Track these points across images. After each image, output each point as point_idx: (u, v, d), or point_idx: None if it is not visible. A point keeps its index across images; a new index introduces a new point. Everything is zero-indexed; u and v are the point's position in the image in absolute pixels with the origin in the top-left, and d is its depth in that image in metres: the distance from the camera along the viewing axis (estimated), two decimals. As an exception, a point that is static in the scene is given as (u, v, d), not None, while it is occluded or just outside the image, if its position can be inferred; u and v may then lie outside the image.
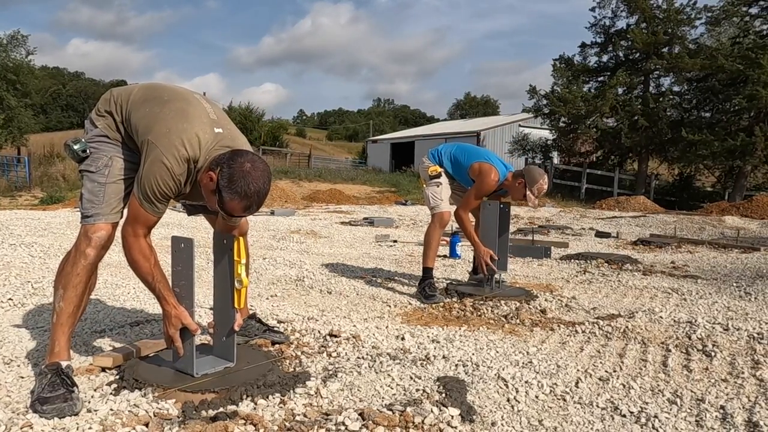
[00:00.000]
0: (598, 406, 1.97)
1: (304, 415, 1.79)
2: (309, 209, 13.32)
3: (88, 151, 2.03)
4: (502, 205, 3.77)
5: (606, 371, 2.31)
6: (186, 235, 2.11)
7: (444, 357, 2.42)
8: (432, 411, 1.81)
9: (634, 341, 2.72)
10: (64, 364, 1.93)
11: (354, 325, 2.86)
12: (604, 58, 24.93)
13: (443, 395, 1.98)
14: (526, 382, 2.13)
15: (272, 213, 11.03)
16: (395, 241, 7.05)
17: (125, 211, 2.03)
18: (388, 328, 2.89)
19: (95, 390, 1.97)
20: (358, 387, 2.06)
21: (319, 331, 2.72)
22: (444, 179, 3.88)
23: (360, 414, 1.77)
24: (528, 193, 3.57)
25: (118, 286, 3.72)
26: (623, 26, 23.73)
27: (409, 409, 1.82)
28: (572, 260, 5.48)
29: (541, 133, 26.84)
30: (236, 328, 2.12)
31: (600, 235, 8.11)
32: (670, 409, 1.94)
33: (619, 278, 4.51)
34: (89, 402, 1.85)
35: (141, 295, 3.51)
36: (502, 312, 3.32)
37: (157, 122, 1.93)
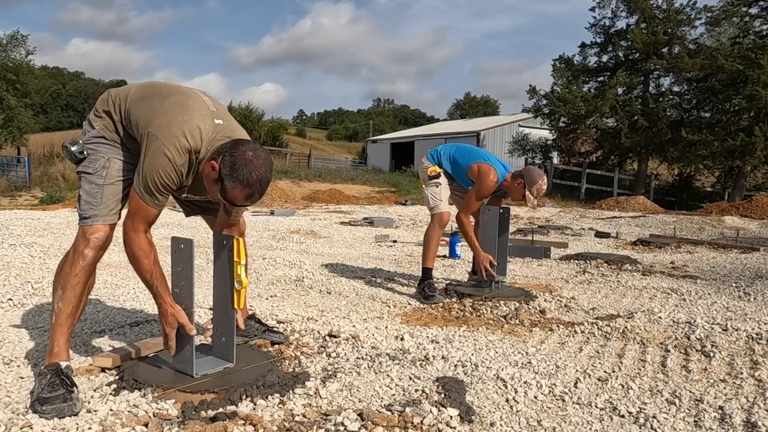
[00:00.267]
0: (596, 407, 1.97)
1: (304, 416, 1.80)
2: (309, 209, 13.32)
3: (85, 152, 2.03)
4: (501, 210, 3.77)
5: (605, 371, 2.31)
6: (186, 235, 2.11)
7: (443, 357, 2.42)
8: (431, 411, 1.82)
9: (633, 341, 2.73)
10: (63, 364, 1.94)
11: (353, 326, 2.86)
12: (604, 58, 24.96)
13: (442, 395, 1.98)
14: (525, 382, 2.13)
15: (272, 213, 11.04)
16: (395, 242, 7.05)
17: (123, 211, 2.04)
18: (388, 328, 2.89)
19: (95, 390, 1.97)
20: (357, 387, 2.06)
21: (318, 332, 2.72)
22: (443, 179, 3.88)
23: (359, 414, 1.78)
24: (527, 193, 3.57)
25: (118, 287, 3.72)
26: (623, 26, 23.77)
27: (408, 409, 1.83)
28: (572, 260, 5.49)
29: (541, 133, 26.84)
30: (241, 327, 2.14)
31: (599, 235, 8.12)
32: (669, 410, 1.94)
33: (619, 278, 4.51)
34: (89, 402, 1.85)
35: (140, 296, 3.51)
36: (501, 312, 3.33)
37: (157, 115, 1.93)
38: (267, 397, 1.92)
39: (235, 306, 2.08)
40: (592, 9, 24.39)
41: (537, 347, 2.64)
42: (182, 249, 1.97)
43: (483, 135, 29.35)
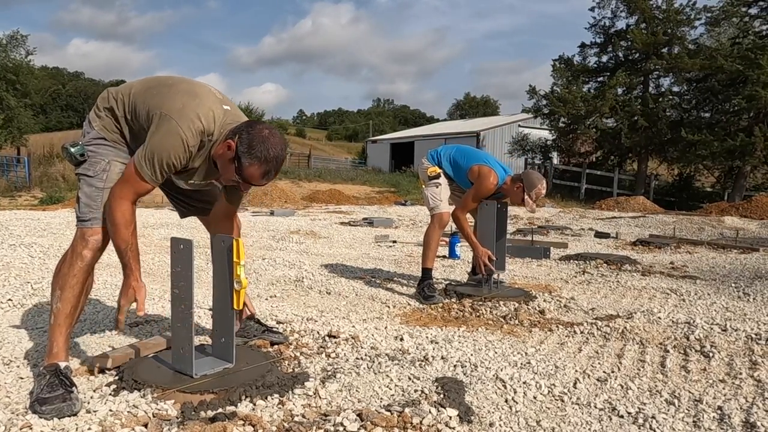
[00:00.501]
0: (596, 407, 1.97)
1: (303, 416, 1.80)
2: (308, 209, 13.33)
3: (86, 154, 2.03)
4: (499, 205, 3.78)
5: (604, 372, 2.31)
6: (185, 236, 2.11)
7: (442, 358, 2.42)
8: (430, 412, 1.82)
9: (632, 342, 2.73)
10: (62, 364, 1.94)
11: (353, 326, 2.86)
12: (604, 58, 24.99)
13: (441, 396, 1.98)
14: (524, 382, 2.13)
15: (272, 213, 11.04)
16: (395, 242, 7.05)
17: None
18: (387, 328, 2.89)
19: (94, 391, 1.97)
20: (356, 388, 2.06)
21: (318, 332, 2.72)
22: (443, 180, 3.89)
23: (358, 415, 1.78)
24: (526, 197, 3.58)
25: (118, 287, 3.71)
26: (623, 26, 23.81)
27: (407, 409, 1.83)
28: (571, 261, 5.49)
29: (541, 133, 26.86)
30: (247, 312, 2.17)
31: (599, 235, 8.12)
32: (668, 410, 1.94)
33: (618, 279, 4.52)
34: (88, 403, 1.85)
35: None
36: (500, 313, 3.33)
37: (169, 99, 1.96)
38: (266, 398, 1.92)
39: (235, 306, 2.08)
40: (592, 9, 24.44)
41: (536, 347, 2.65)
42: (182, 249, 1.97)
43: (483, 135, 29.37)
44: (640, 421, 1.85)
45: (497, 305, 3.46)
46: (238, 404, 1.86)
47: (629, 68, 23.18)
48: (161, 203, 11.98)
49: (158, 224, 7.80)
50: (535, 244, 6.27)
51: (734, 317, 3.16)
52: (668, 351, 2.58)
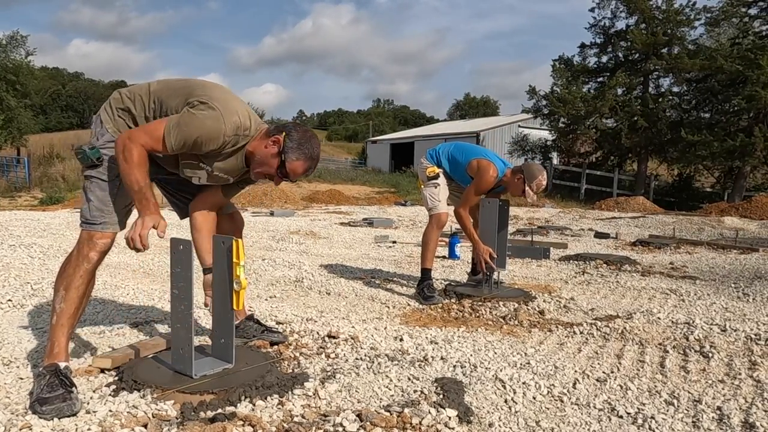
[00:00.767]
0: (595, 407, 1.97)
1: (302, 416, 1.80)
2: (308, 210, 13.33)
3: (101, 158, 2.03)
4: (501, 203, 3.78)
5: (603, 372, 2.31)
6: (185, 236, 2.12)
7: (442, 358, 2.43)
8: (429, 412, 1.82)
9: (631, 342, 2.73)
10: (62, 365, 1.94)
11: (352, 326, 2.86)
12: (604, 58, 24.99)
13: (441, 396, 1.98)
14: (523, 383, 2.13)
15: (272, 214, 11.04)
16: (394, 242, 7.06)
17: (129, 220, 2.06)
18: (387, 329, 2.89)
19: (94, 391, 1.98)
20: (356, 388, 2.06)
21: (317, 333, 2.72)
22: (442, 180, 3.89)
23: (358, 415, 1.78)
24: (527, 189, 3.58)
25: (117, 287, 3.73)
26: (623, 27, 23.80)
27: (406, 410, 1.83)
28: (571, 261, 5.49)
29: (541, 133, 26.86)
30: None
31: (599, 235, 8.12)
32: (667, 410, 1.94)
33: (618, 279, 4.52)
34: (88, 403, 1.86)
35: (140, 296, 3.52)
36: (500, 313, 3.33)
37: (210, 90, 2.03)
38: (266, 398, 1.92)
39: (234, 307, 2.08)
40: (592, 10, 24.45)
41: (536, 348, 2.65)
42: (181, 250, 1.98)
43: (483, 135, 29.38)
44: (640, 421, 1.86)
45: (497, 306, 3.47)
46: (238, 405, 1.86)
47: (629, 68, 23.19)
48: (161, 204, 11.98)
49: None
50: (534, 245, 6.27)
51: (734, 317, 3.17)
52: (668, 351, 2.58)
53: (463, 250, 5.89)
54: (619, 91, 23.03)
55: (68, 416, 1.75)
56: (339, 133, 78.90)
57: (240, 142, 2.07)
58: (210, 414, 1.78)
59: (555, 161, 25.75)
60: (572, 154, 25.81)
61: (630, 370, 2.36)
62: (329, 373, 2.20)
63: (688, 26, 22.46)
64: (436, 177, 3.87)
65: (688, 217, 11.37)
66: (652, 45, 21.95)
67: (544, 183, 3.61)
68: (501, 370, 2.26)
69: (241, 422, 1.72)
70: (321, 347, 2.54)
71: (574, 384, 2.17)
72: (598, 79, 24.75)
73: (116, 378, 2.08)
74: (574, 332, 2.90)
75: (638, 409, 1.95)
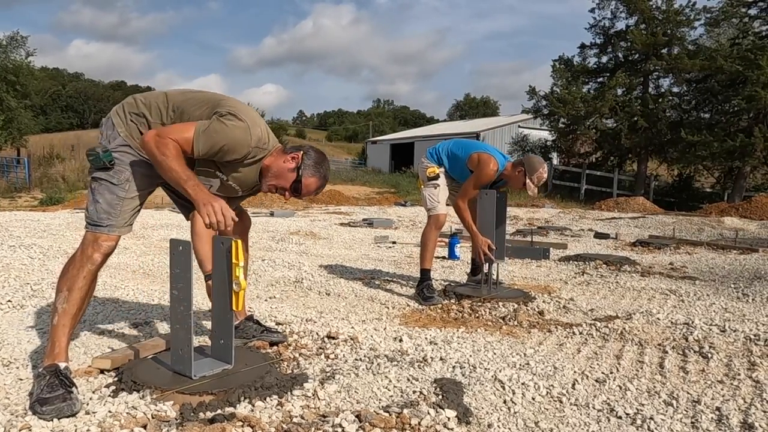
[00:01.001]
0: (594, 408, 1.98)
1: (302, 417, 1.80)
2: (308, 210, 13.33)
3: (113, 161, 2.05)
4: (499, 194, 3.77)
5: (603, 373, 2.31)
6: (185, 237, 2.12)
7: (441, 359, 2.43)
8: (428, 413, 1.82)
9: (631, 343, 2.73)
10: (62, 365, 1.95)
11: (352, 327, 2.87)
12: (604, 59, 24.98)
13: (440, 397, 1.98)
14: (522, 383, 2.14)
15: (271, 214, 11.04)
16: (394, 243, 7.06)
17: (135, 224, 2.12)
18: (386, 329, 2.90)
19: (93, 392, 1.98)
20: (355, 389, 2.06)
21: (317, 333, 2.73)
22: (442, 181, 3.88)
23: (357, 416, 1.78)
24: (528, 181, 3.58)
25: (117, 288, 3.73)
26: (622, 27, 23.78)
27: (405, 410, 1.83)
28: (571, 261, 5.49)
29: (541, 134, 26.87)
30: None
31: (599, 236, 8.12)
32: (666, 411, 1.95)
33: (617, 279, 4.52)
34: (87, 404, 1.86)
35: (140, 297, 3.52)
36: (499, 313, 3.33)
37: (233, 102, 2.13)
38: (265, 399, 1.92)
39: (234, 308, 2.08)
40: (592, 10, 24.44)
41: (535, 348, 2.65)
42: (181, 251, 1.98)
43: (483, 136, 29.38)
44: (639, 422, 1.86)
45: (496, 306, 3.47)
46: (237, 405, 1.86)
47: (629, 69, 23.18)
48: (161, 204, 11.98)
49: (158, 225, 7.80)
50: (534, 245, 6.27)
51: (733, 318, 3.17)
52: (667, 352, 2.59)
53: (463, 250, 5.89)
54: (619, 91, 23.02)
55: (68, 416, 1.75)
56: (339, 134, 78.95)
57: (258, 155, 2.16)
58: (209, 415, 1.78)
59: (555, 161, 25.74)
60: (572, 155, 25.81)
61: (629, 371, 2.36)
62: (328, 374, 2.20)
63: (688, 26, 22.46)
64: (436, 178, 3.87)
65: (688, 217, 11.37)
66: (652, 45, 21.95)
67: (545, 175, 3.61)
68: (500, 371, 2.26)
69: (241, 423, 1.72)
70: (320, 348, 2.54)
71: (573, 385, 2.17)
72: (598, 80, 24.74)
73: (116, 379, 2.08)
74: (574, 333, 2.90)
75: (637, 409, 1.95)
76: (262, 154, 2.18)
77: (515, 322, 3.16)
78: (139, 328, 2.86)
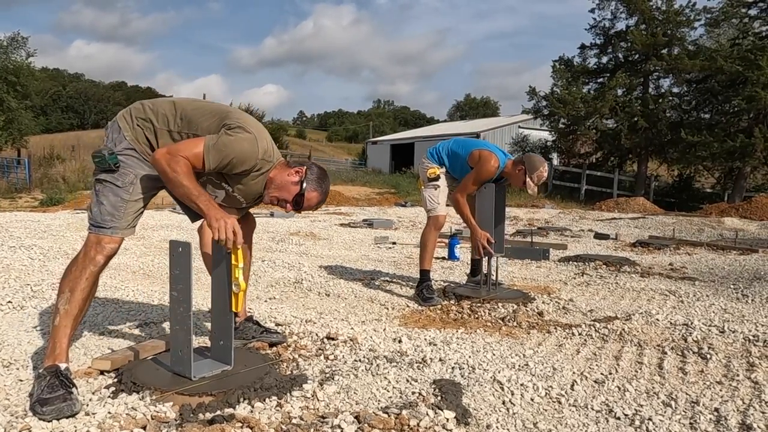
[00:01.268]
0: (593, 409, 1.98)
1: (301, 418, 1.81)
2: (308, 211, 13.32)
3: (119, 164, 2.07)
4: (497, 188, 3.78)
5: (602, 374, 2.32)
6: (185, 238, 2.13)
7: (440, 360, 2.43)
8: (427, 414, 1.83)
9: (630, 343, 2.74)
10: (63, 366, 1.96)
11: (351, 328, 2.87)
12: (604, 59, 24.97)
13: (439, 398, 1.99)
14: (521, 384, 2.14)
15: (271, 215, 11.04)
16: (394, 243, 7.06)
17: (138, 226, 2.13)
18: (386, 330, 2.90)
19: (93, 393, 1.98)
20: (354, 390, 2.07)
21: (316, 334, 2.73)
22: (442, 182, 3.88)
23: (356, 417, 1.78)
24: (528, 180, 3.58)
25: (117, 289, 3.73)
26: (623, 28, 23.77)
27: (404, 411, 1.84)
28: (570, 262, 5.49)
29: (541, 134, 26.87)
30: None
31: (599, 236, 8.12)
32: (665, 412, 1.95)
33: (617, 280, 4.52)
34: (87, 405, 1.86)
35: (140, 298, 3.53)
36: (499, 314, 3.33)
37: (240, 115, 2.20)
38: (264, 400, 1.93)
39: (233, 309, 2.09)
40: (592, 11, 24.42)
41: (534, 349, 2.65)
42: (180, 252, 1.98)
43: (483, 136, 29.33)
44: (637, 423, 1.86)
45: (496, 307, 3.47)
46: (237, 406, 1.87)
47: (629, 69, 23.18)
48: (161, 205, 11.99)
49: (158, 226, 7.81)
50: (534, 246, 6.28)
51: (732, 319, 3.17)
52: (666, 353, 2.59)
53: (463, 251, 5.89)
54: (619, 91, 23.02)
55: (68, 417, 1.76)
56: (339, 134, 78.97)
57: (264, 168, 2.21)
58: (209, 416, 1.79)
59: (555, 162, 25.74)
60: (572, 155, 25.80)
61: (628, 372, 2.36)
62: (328, 375, 2.21)
63: (688, 27, 22.46)
64: (437, 179, 3.87)
65: (688, 217, 11.38)
66: (652, 46, 21.94)
67: (545, 175, 3.62)
68: (499, 372, 2.26)
69: (240, 424, 1.72)
70: (320, 349, 2.55)
71: (572, 385, 2.17)
72: (598, 80, 24.74)
73: (115, 380, 2.09)
74: (573, 333, 2.91)
75: (636, 410, 1.95)
76: (268, 166, 2.23)
77: (514, 323, 3.16)
78: (139, 329, 2.86)
